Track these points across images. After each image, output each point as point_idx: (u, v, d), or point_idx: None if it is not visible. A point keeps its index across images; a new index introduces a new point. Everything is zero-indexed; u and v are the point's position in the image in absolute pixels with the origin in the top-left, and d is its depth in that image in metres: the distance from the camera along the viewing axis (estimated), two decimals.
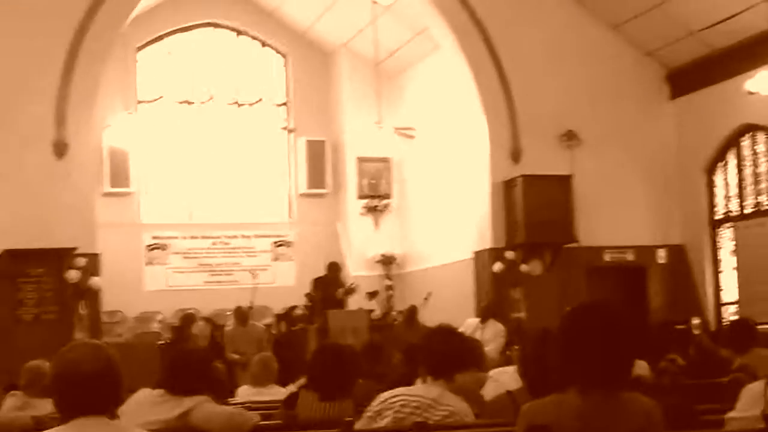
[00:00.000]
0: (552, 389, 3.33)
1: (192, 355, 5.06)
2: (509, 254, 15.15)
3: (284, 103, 19.53)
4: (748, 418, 4.13)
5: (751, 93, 13.88)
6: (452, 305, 15.25)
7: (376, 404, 4.66)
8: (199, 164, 18.91)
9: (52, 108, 13.93)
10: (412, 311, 14.32)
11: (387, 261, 18.35)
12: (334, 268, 14.25)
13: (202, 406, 4.80)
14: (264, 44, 19.42)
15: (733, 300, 15.54)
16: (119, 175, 17.55)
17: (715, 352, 8.98)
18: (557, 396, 3.27)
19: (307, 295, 14.21)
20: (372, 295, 14.26)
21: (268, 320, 16.29)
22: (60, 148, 13.93)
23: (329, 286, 13.86)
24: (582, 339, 3.19)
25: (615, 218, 15.82)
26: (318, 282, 14.07)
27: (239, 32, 19.24)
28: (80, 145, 14.11)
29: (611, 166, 15.88)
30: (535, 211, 14.98)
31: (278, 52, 19.54)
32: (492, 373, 6.22)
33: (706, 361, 8.27)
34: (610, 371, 3.19)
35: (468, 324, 13.69)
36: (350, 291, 13.96)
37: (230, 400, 7.02)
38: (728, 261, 15.74)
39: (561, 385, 3.28)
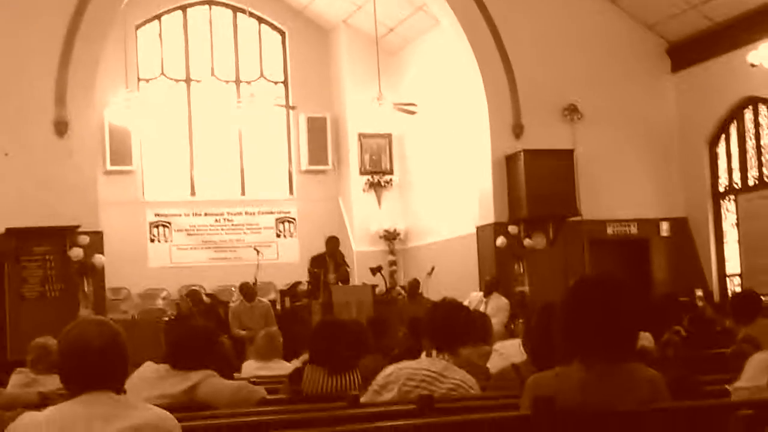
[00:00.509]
0: (556, 362, 3.35)
1: (197, 331, 5.07)
2: (512, 228, 15.18)
3: (284, 81, 19.48)
4: (755, 387, 4.14)
5: (753, 65, 13.84)
6: (456, 280, 15.30)
7: (381, 378, 4.68)
8: (199, 142, 18.89)
9: (53, 86, 13.92)
10: (415, 285, 14.34)
11: (390, 236, 18.37)
12: (332, 243, 14.20)
13: (208, 381, 4.82)
14: (262, 21, 19.33)
15: (736, 272, 15.57)
16: (121, 153, 17.54)
17: (719, 323, 9.02)
18: (561, 368, 3.28)
19: (309, 271, 14.22)
20: (375, 270, 14.25)
21: (272, 296, 16.32)
22: (61, 127, 13.94)
23: (328, 262, 13.85)
24: (585, 311, 3.21)
25: (617, 191, 15.83)
26: (314, 260, 14.07)
27: (237, 9, 19.15)
28: (81, 123, 14.12)
29: (613, 140, 15.87)
30: (538, 186, 14.99)
31: (276, 29, 19.46)
32: (496, 346, 6.26)
33: (709, 332, 8.30)
34: (613, 343, 3.20)
35: (472, 298, 13.74)
36: (343, 275, 13.92)
37: (236, 375, 7.05)
38: (731, 233, 15.76)
39: (565, 357, 3.30)
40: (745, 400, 3.72)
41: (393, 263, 18.13)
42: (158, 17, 18.79)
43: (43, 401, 5.05)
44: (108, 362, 3.06)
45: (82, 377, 3.06)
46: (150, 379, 4.82)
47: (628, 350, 3.26)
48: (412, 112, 16.52)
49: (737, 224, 15.53)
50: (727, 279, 15.79)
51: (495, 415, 3.44)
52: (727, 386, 4.24)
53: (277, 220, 18.81)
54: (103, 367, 3.05)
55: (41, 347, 6.97)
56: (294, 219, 18.89)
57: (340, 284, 13.56)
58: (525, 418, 3.14)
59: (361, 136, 18.93)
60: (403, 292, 14.76)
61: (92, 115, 14.68)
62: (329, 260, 13.67)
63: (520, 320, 12.01)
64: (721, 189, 15.95)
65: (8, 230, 13.35)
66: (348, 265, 14.13)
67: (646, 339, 7.89)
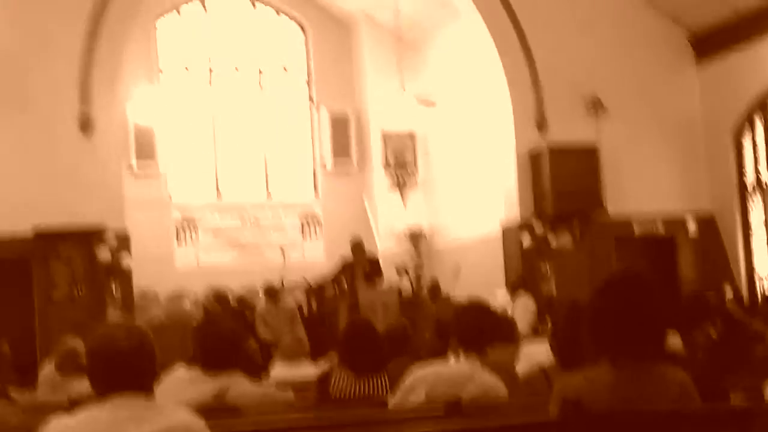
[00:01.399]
0: (584, 362, 3.33)
1: (224, 332, 5.08)
2: (538, 228, 15.09)
3: (306, 78, 19.42)
4: None
5: None
6: (481, 279, 15.25)
7: (408, 381, 4.68)
8: (223, 141, 18.88)
9: (77, 83, 13.89)
10: (436, 286, 14.32)
11: (415, 236, 18.34)
12: (357, 249, 14.11)
13: (237, 385, 4.83)
14: (280, 12, 19.26)
15: (766, 271, 15.40)
16: (146, 152, 17.54)
17: (748, 324, 8.94)
18: (589, 369, 3.27)
19: (335, 274, 14.18)
20: (401, 270, 14.24)
21: (298, 295, 16.34)
22: (86, 124, 13.91)
23: (356, 269, 13.77)
24: (614, 310, 3.20)
25: (643, 185, 15.71)
26: (346, 267, 14.00)
27: (256, 1, 19.11)
28: (106, 119, 14.06)
29: (637, 133, 15.76)
30: (562, 181, 14.91)
31: (297, 22, 19.43)
32: (524, 347, 6.23)
33: (740, 334, 8.23)
34: (642, 342, 3.18)
35: (498, 297, 13.71)
36: (374, 273, 13.79)
37: (263, 377, 7.06)
38: (760, 229, 15.59)
39: (593, 357, 3.28)
40: None
41: (419, 263, 18.09)
42: (177, 9, 18.71)
43: (72, 406, 5.07)
44: (136, 365, 3.08)
45: (111, 380, 3.08)
46: (180, 382, 4.84)
47: (656, 350, 3.24)
48: (432, 104, 16.44)
49: (765, 220, 15.37)
50: (756, 279, 15.62)
51: (524, 420, 3.43)
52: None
53: (302, 219, 18.82)
54: (132, 370, 3.07)
55: (68, 350, 7.02)
56: (319, 218, 18.90)
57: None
58: (554, 422, 3.13)
59: (385, 135, 18.90)
60: (427, 293, 14.75)
61: (117, 112, 14.68)
62: (357, 268, 13.61)
63: (547, 321, 11.98)
64: (748, 182, 15.75)
65: (36, 231, 13.38)
66: (378, 273, 13.96)
67: (674, 339, 7.84)
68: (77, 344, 6.98)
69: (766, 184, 15.44)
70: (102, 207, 13.73)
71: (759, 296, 14.90)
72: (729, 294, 14.57)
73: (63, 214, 13.45)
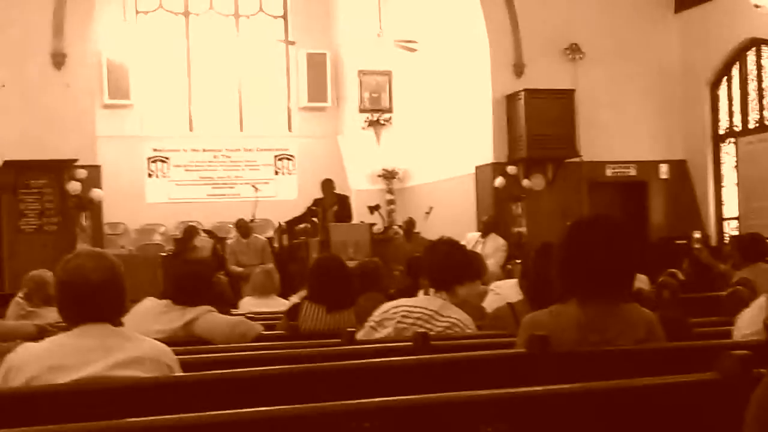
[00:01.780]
0: (552, 301, 3.36)
1: (195, 268, 5.08)
2: (511, 169, 15.15)
3: (283, 15, 19.25)
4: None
5: (757, 6, 13.72)
6: (454, 220, 15.29)
7: (377, 315, 4.71)
8: (198, 77, 18.73)
9: (50, 18, 13.77)
10: (411, 224, 14.36)
11: (388, 175, 18.32)
12: (327, 186, 14.08)
13: (206, 316, 4.85)
14: None
15: (733, 215, 15.58)
16: (119, 87, 17.41)
17: (715, 266, 9.05)
18: (557, 307, 3.30)
19: (308, 209, 14.19)
20: (373, 208, 14.23)
21: (270, 233, 16.35)
22: (58, 59, 13.82)
23: (327, 208, 13.75)
24: (583, 251, 3.22)
25: (617, 133, 15.76)
26: (316, 202, 13.98)
27: None
28: (79, 55, 13.99)
29: (614, 80, 15.77)
30: (538, 126, 14.93)
31: None
32: (493, 286, 6.28)
33: (705, 276, 8.33)
34: (610, 283, 3.21)
35: (469, 238, 13.76)
36: (343, 211, 13.78)
37: (233, 311, 7.08)
38: (730, 176, 15.74)
39: (561, 297, 3.31)
40: (740, 341, 3.75)
41: (391, 202, 18.09)
42: None
43: (41, 333, 5.07)
44: (106, 294, 3.07)
45: (80, 309, 3.07)
46: (149, 313, 4.85)
47: (624, 291, 3.27)
48: (413, 50, 16.38)
49: (736, 167, 15.50)
50: (725, 222, 15.81)
51: (490, 353, 3.46)
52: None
53: (275, 157, 18.74)
54: (101, 300, 3.06)
55: (37, 280, 7.00)
56: (292, 156, 18.82)
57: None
58: (520, 356, 3.16)
59: (361, 73, 18.79)
60: (400, 231, 14.77)
61: (90, 48, 14.56)
62: (328, 205, 13.60)
63: (518, 261, 12.05)
64: (722, 132, 15.89)
65: (6, 163, 13.29)
66: (350, 214, 13.95)
67: (642, 281, 7.93)
68: (45, 275, 6.97)
69: (738, 133, 15.51)
70: (74, 142, 13.65)
71: (726, 239, 15.07)
72: (698, 237, 14.71)
73: (35, 149, 13.38)
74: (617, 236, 3.24)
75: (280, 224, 15.16)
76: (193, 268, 5.06)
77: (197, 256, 11.44)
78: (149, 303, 4.96)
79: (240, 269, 13.54)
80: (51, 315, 6.66)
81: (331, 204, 13.75)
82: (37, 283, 6.98)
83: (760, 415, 1.73)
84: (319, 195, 14.21)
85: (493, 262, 12.36)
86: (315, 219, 13.35)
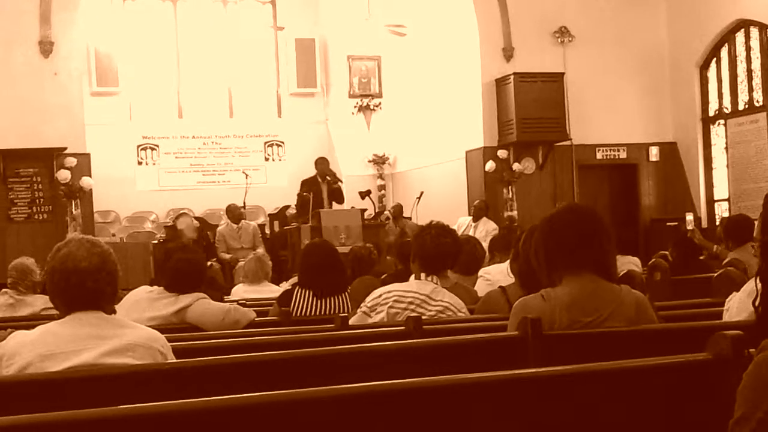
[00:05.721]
0: (543, 284, 3.38)
1: (186, 255, 5.05)
2: (501, 153, 15.15)
3: (271, 1, 19.15)
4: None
5: None
6: (445, 204, 15.31)
7: (370, 300, 4.72)
8: (187, 63, 18.66)
9: (37, 6, 13.71)
10: (399, 210, 14.36)
11: (379, 160, 18.31)
12: (322, 164, 13.99)
13: (199, 303, 4.84)
14: None
15: (724, 197, 15.62)
16: (107, 74, 17.35)
17: (707, 247, 9.08)
18: (548, 290, 3.31)
19: (298, 195, 14.15)
20: (364, 194, 14.21)
21: (261, 220, 16.34)
22: (46, 47, 13.76)
23: (321, 183, 13.65)
24: (558, 235, 3.28)
25: (607, 116, 15.77)
26: (305, 183, 13.89)
27: None
28: (66, 43, 13.93)
29: (604, 63, 15.77)
30: (527, 110, 14.92)
31: None
32: (482, 272, 6.29)
33: (696, 257, 8.35)
34: (589, 263, 3.26)
35: (460, 223, 13.78)
36: (337, 193, 13.69)
37: (225, 298, 7.08)
38: (720, 158, 15.77)
39: (551, 280, 3.33)
40: (731, 322, 3.76)
41: (382, 188, 18.11)
42: None
43: (32, 322, 5.06)
44: (98, 282, 3.05)
45: (72, 297, 3.06)
46: (142, 300, 4.85)
47: (605, 271, 3.31)
48: (402, 35, 16.34)
49: (726, 149, 15.53)
50: (715, 204, 15.85)
51: (483, 337, 3.47)
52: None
53: (265, 143, 18.70)
54: (93, 287, 3.05)
55: (19, 268, 6.99)
56: (282, 143, 18.78)
57: (333, 204, 13.48)
58: (512, 339, 3.17)
59: (350, 59, 18.76)
60: (391, 216, 14.78)
61: (77, 36, 14.49)
62: (321, 181, 13.55)
63: (509, 245, 12.06)
64: (711, 114, 15.91)
65: None
66: (341, 181, 13.91)
67: (633, 263, 7.96)
68: (27, 262, 6.98)
69: (727, 115, 15.53)
70: (63, 130, 13.62)
71: (717, 221, 15.11)
72: (690, 219, 14.76)
73: (24, 138, 13.36)
74: (587, 219, 3.32)
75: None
76: (183, 255, 5.03)
77: (182, 240, 11.40)
78: (142, 290, 4.96)
79: (229, 256, 13.60)
80: (39, 302, 6.66)
81: (328, 181, 13.59)
82: (20, 271, 6.98)
83: (747, 395, 1.74)
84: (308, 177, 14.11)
85: (484, 246, 12.35)
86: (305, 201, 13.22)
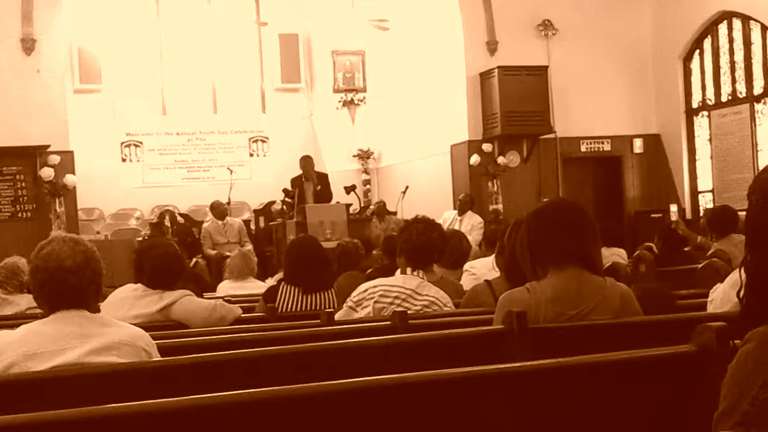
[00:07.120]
0: (528, 278, 3.39)
1: (161, 250, 4.99)
2: (486, 146, 15.16)
3: None
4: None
5: None
6: (430, 198, 15.31)
7: (355, 295, 4.71)
8: (170, 60, 18.59)
9: (18, 3, 13.65)
10: (382, 206, 14.36)
11: (364, 155, 18.30)
12: (306, 162, 13.93)
13: (183, 300, 4.82)
14: None
15: (708, 188, 15.68)
16: (89, 71, 17.27)
17: (691, 239, 9.11)
18: (533, 284, 3.32)
19: (285, 190, 14.11)
20: (349, 189, 14.19)
21: (246, 216, 16.31)
22: (28, 44, 13.70)
23: (305, 184, 13.62)
24: (542, 229, 3.29)
25: (592, 108, 15.80)
26: (294, 182, 13.85)
27: None
28: (48, 40, 13.89)
29: (588, 56, 15.78)
30: (512, 103, 14.94)
31: None
32: (467, 266, 6.29)
33: (680, 248, 8.39)
34: (572, 255, 3.26)
35: (446, 217, 13.78)
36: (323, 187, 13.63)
37: (211, 294, 7.06)
38: (704, 149, 15.82)
39: (536, 273, 3.34)
40: (716, 313, 3.77)
41: (367, 182, 18.10)
42: None
43: (16, 321, 5.03)
44: (82, 281, 3.04)
45: (56, 296, 3.04)
46: (126, 298, 4.82)
47: (589, 263, 3.32)
48: (386, 29, 16.32)
49: (710, 140, 15.57)
50: (699, 195, 15.91)
51: (468, 331, 3.47)
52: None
53: (250, 139, 18.66)
54: (77, 286, 3.03)
55: (9, 268, 6.94)
56: (267, 138, 18.74)
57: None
58: (498, 333, 3.17)
59: (334, 53, 18.73)
60: (375, 214, 14.76)
61: (60, 33, 14.43)
62: (305, 180, 13.48)
63: (495, 238, 12.07)
64: (695, 105, 15.96)
65: None
66: (328, 183, 13.80)
67: (619, 255, 7.98)
68: (19, 262, 6.92)
69: (711, 107, 15.58)
70: (46, 128, 13.58)
71: (701, 212, 15.17)
72: (674, 210, 14.82)
73: (7, 136, 13.32)
74: (572, 213, 3.35)
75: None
76: (165, 253, 4.97)
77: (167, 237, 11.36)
78: (127, 288, 4.93)
79: (214, 252, 13.58)
80: (24, 302, 6.63)
81: (313, 182, 13.55)
82: (10, 270, 6.92)
83: (732, 387, 1.75)
84: (294, 174, 14.07)
85: (470, 240, 12.35)
86: (289, 199, 13.18)
